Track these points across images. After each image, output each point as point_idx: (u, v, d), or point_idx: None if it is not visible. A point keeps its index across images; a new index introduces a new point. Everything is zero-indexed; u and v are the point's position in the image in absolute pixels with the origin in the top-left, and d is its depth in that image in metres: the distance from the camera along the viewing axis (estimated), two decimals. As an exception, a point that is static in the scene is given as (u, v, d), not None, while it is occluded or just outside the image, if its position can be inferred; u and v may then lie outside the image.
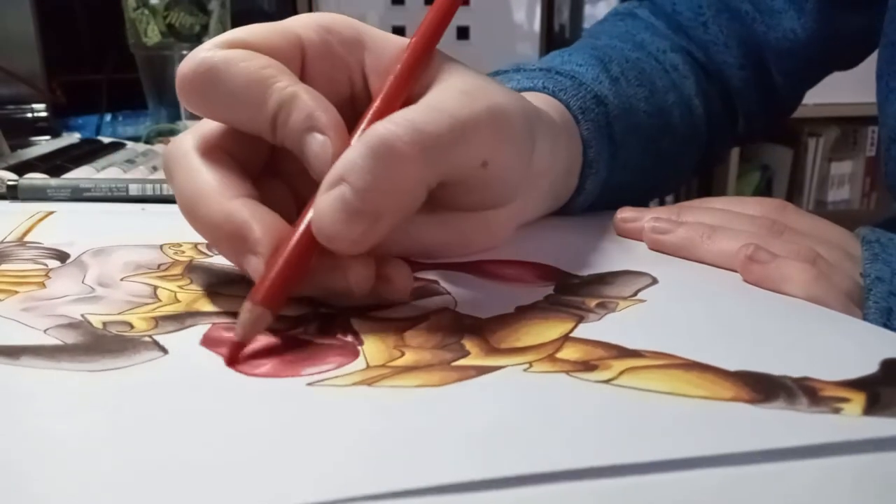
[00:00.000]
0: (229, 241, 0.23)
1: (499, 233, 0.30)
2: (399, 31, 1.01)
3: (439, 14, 0.27)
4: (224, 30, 0.75)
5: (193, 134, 0.25)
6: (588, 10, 1.24)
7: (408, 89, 0.25)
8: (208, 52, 0.24)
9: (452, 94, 0.25)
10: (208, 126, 0.26)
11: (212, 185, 0.24)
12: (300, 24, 0.26)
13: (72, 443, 0.17)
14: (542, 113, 0.31)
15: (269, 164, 0.27)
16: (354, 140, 0.23)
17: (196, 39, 0.73)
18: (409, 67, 0.25)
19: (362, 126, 0.24)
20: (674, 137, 0.43)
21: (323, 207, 0.22)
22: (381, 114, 0.24)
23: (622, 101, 0.39)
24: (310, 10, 1.11)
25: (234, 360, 0.21)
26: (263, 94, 0.23)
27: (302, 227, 0.23)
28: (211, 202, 0.23)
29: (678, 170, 0.46)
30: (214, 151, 0.25)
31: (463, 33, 1.16)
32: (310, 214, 0.23)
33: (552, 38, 1.23)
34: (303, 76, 0.26)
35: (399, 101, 0.25)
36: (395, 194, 0.23)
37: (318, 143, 0.23)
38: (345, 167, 0.22)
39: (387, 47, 0.27)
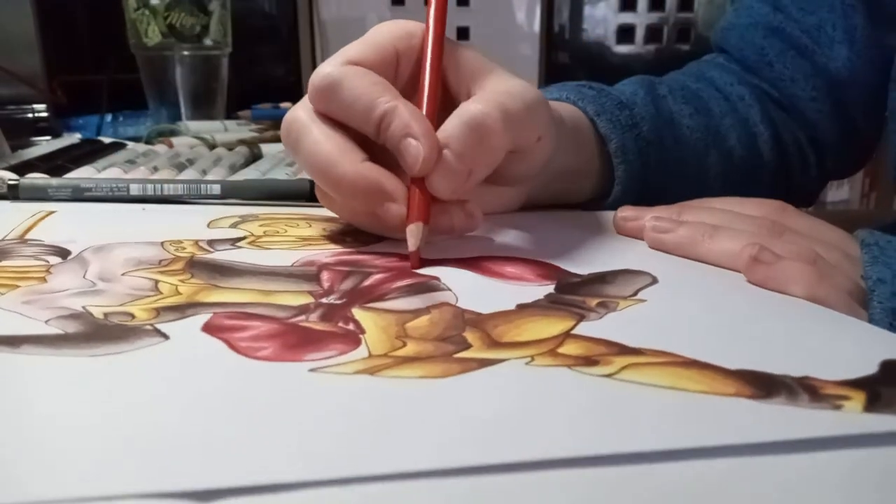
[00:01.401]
0: (365, 195, 0.29)
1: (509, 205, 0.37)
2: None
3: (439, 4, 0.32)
4: (224, 30, 0.75)
5: (306, 109, 0.30)
6: (588, 10, 1.24)
7: (439, 70, 0.31)
8: (332, 67, 0.29)
9: (517, 82, 0.31)
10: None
11: (340, 149, 0.29)
12: (393, 37, 0.31)
13: (71, 422, 0.17)
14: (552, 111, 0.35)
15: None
16: (423, 103, 0.30)
17: (197, 40, 0.73)
18: (435, 64, 0.31)
19: (424, 100, 0.30)
20: (729, 158, 0.45)
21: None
22: (432, 89, 0.31)
23: (658, 111, 0.41)
24: (310, 10, 1.11)
25: (415, 265, 0.28)
26: (371, 104, 0.29)
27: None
28: (344, 164, 0.29)
29: (735, 192, 0.46)
30: (331, 123, 0.30)
31: (463, 33, 1.15)
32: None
33: (552, 39, 1.22)
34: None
35: (436, 81, 0.31)
36: (484, 157, 0.29)
37: (413, 147, 0.28)
38: (446, 137, 0.29)
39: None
